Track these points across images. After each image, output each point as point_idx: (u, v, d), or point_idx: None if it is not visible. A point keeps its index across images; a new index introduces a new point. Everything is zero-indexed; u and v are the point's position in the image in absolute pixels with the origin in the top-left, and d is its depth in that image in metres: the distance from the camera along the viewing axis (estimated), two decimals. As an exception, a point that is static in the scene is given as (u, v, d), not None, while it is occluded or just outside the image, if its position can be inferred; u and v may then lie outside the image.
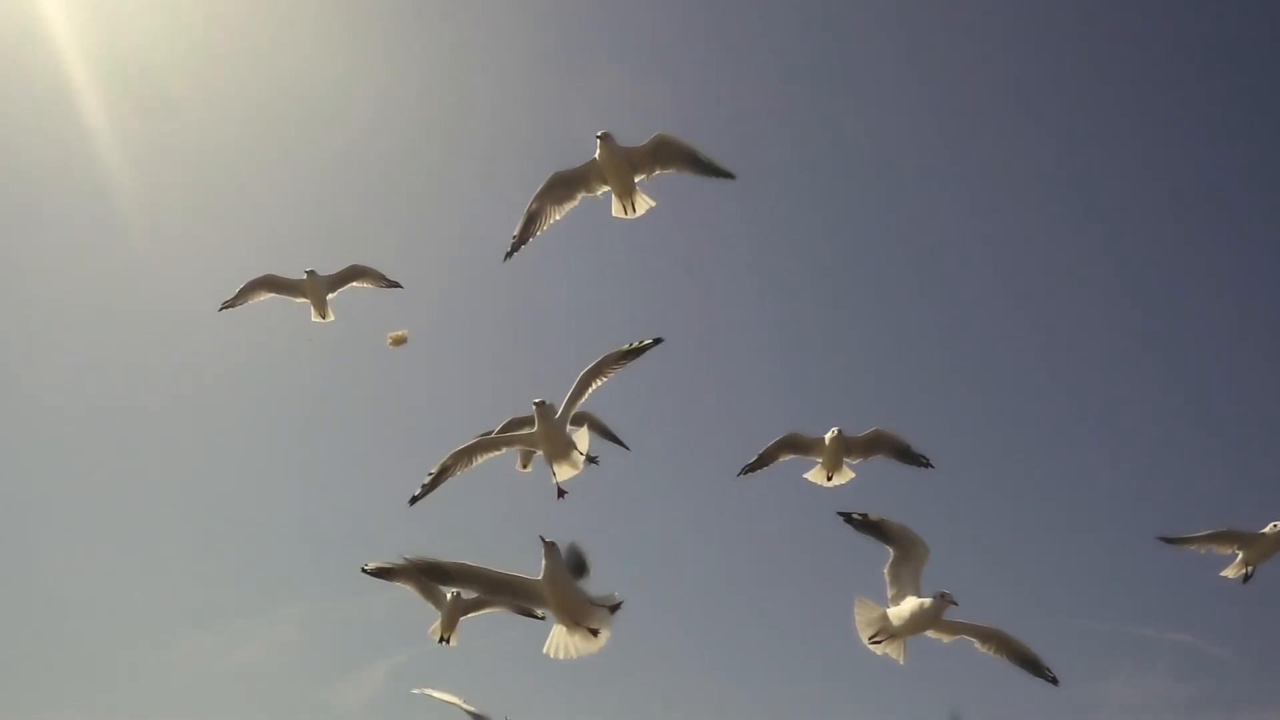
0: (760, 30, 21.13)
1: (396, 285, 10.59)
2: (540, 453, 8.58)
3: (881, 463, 10.69)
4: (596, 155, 8.45)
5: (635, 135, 8.58)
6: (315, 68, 19.68)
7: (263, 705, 19.31)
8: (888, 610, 7.98)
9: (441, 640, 10.12)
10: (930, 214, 22.58)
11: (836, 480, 10.87)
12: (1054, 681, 8.16)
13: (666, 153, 8.46)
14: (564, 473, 8.50)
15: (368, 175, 19.88)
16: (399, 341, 10.11)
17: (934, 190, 22.81)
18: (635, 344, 8.19)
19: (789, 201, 21.77)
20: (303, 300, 10.61)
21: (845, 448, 10.73)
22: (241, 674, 20.98)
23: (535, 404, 8.21)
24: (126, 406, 21.87)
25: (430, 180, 19.32)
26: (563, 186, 8.57)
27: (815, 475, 10.82)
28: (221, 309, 10.60)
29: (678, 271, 21.79)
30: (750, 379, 22.02)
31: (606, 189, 8.65)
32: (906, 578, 7.99)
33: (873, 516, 8.14)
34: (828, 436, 10.60)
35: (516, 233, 8.60)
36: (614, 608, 7.49)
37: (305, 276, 10.43)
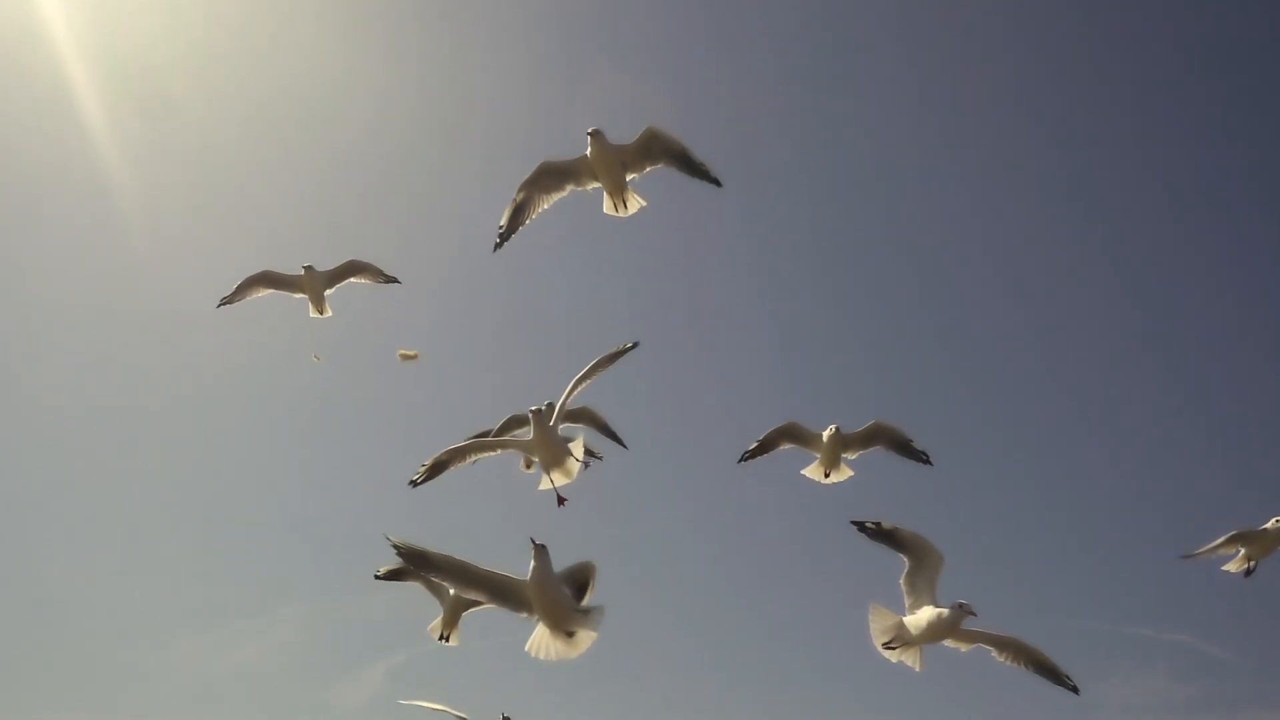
0: (760, 30, 21.18)
1: (394, 280, 10.60)
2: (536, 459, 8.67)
3: (880, 464, 10.71)
4: (588, 152, 8.42)
5: (634, 135, 8.56)
6: (315, 68, 19.74)
7: (263, 705, 19.33)
8: (904, 619, 7.94)
9: (441, 638, 10.11)
10: (930, 214, 22.62)
11: (834, 478, 10.89)
12: (1075, 690, 8.04)
13: (656, 146, 8.44)
14: (559, 479, 8.56)
15: (368, 175, 19.92)
16: (409, 358, 10.16)
17: (934, 190, 22.85)
18: (616, 349, 8.52)
19: (789, 201, 21.82)
20: (300, 295, 10.62)
21: (843, 445, 10.76)
22: (241, 674, 21.01)
23: (531, 412, 8.31)
24: (126, 406, 21.93)
25: (430, 180, 19.34)
26: (551, 177, 8.55)
27: (813, 471, 10.83)
28: (220, 305, 10.62)
29: (677, 271, 21.84)
30: (750, 379, 22.04)
31: (597, 184, 8.63)
32: (923, 587, 7.94)
33: (886, 525, 8.07)
34: (825, 433, 10.63)
35: (504, 222, 8.59)
36: (595, 617, 7.49)
37: (303, 272, 10.44)
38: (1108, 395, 22.51)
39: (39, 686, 19.93)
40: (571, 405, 10.49)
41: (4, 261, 21.30)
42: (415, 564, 7.13)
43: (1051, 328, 22.95)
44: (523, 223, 8.60)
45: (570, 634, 7.41)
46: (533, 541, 7.32)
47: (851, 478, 10.91)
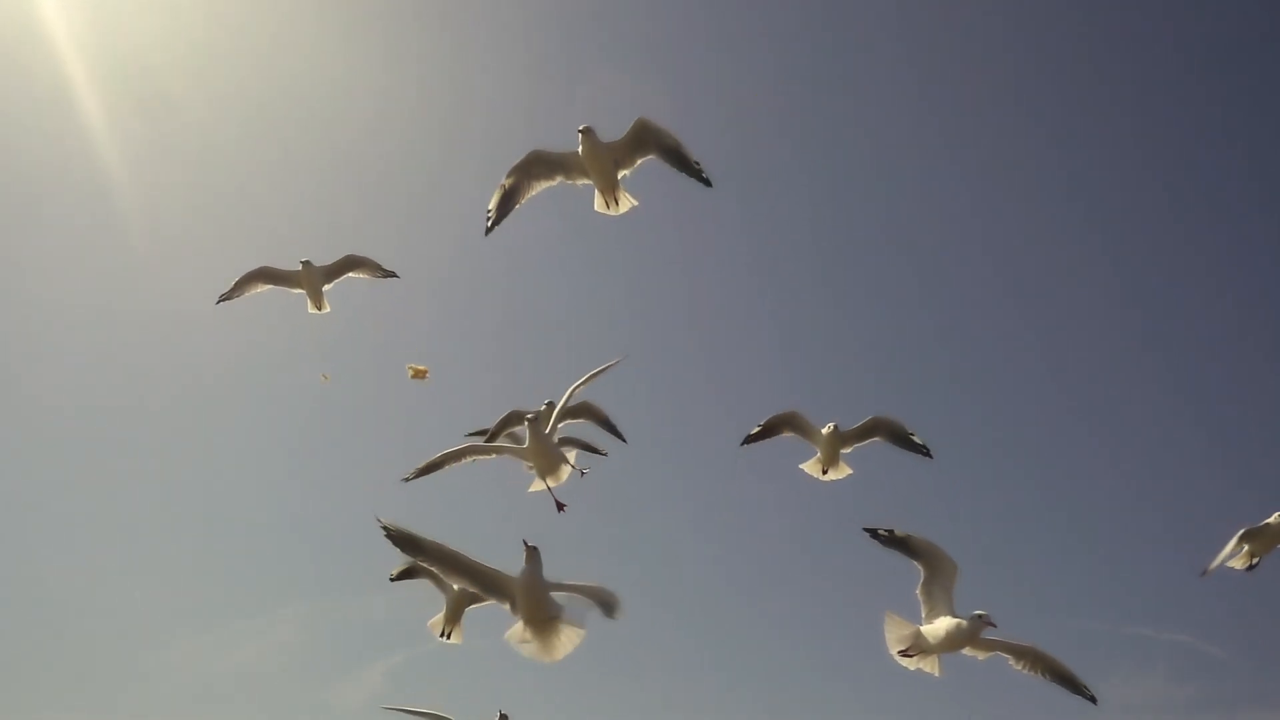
0: (760, 30, 21.19)
1: (393, 275, 10.58)
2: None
3: (880, 464, 10.72)
4: (579, 150, 8.38)
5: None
6: (315, 68, 19.75)
7: (262, 705, 19.30)
8: (921, 628, 7.88)
9: (443, 635, 10.11)
10: (930, 214, 22.62)
11: (832, 475, 10.90)
12: (1093, 700, 7.96)
13: (647, 138, 8.38)
14: (552, 483, 8.63)
15: (368, 175, 19.92)
16: (419, 375, 10.17)
17: (934, 190, 22.85)
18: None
19: (789, 201, 21.83)
20: (299, 291, 10.63)
21: (841, 442, 10.77)
22: (241, 674, 20.99)
23: (528, 419, 8.39)
24: (126, 406, 21.91)
25: (430, 180, 19.35)
26: (541, 166, 8.49)
27: (811, 467, 10.83)
28: (219, 302, 10.62)
29: (677, 271, 21.85)
30: (750, 379, 22.03)
31: (588, 181, 8.58)
32: (940, 596, 7.89)
33: (899, 532, 8.01)
34: (824, 430, 10.65)
35: (492, 207, 8.53)
36: (576, 632, 7.52)
37: (301, 267, 10.45)
38: (1108, 395, 22.53)
39: (39, 686, 19.93)
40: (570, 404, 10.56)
41: (4, 261, 21.33)
42: (405, 548, 7.13)
43: (1051, 328, 22.97)
44: (512, 209, 8.54)
45: (549, 637, 7.44)
46: (525, 543, 7.37)
47: (850, 476, 10.96)
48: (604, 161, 8.39)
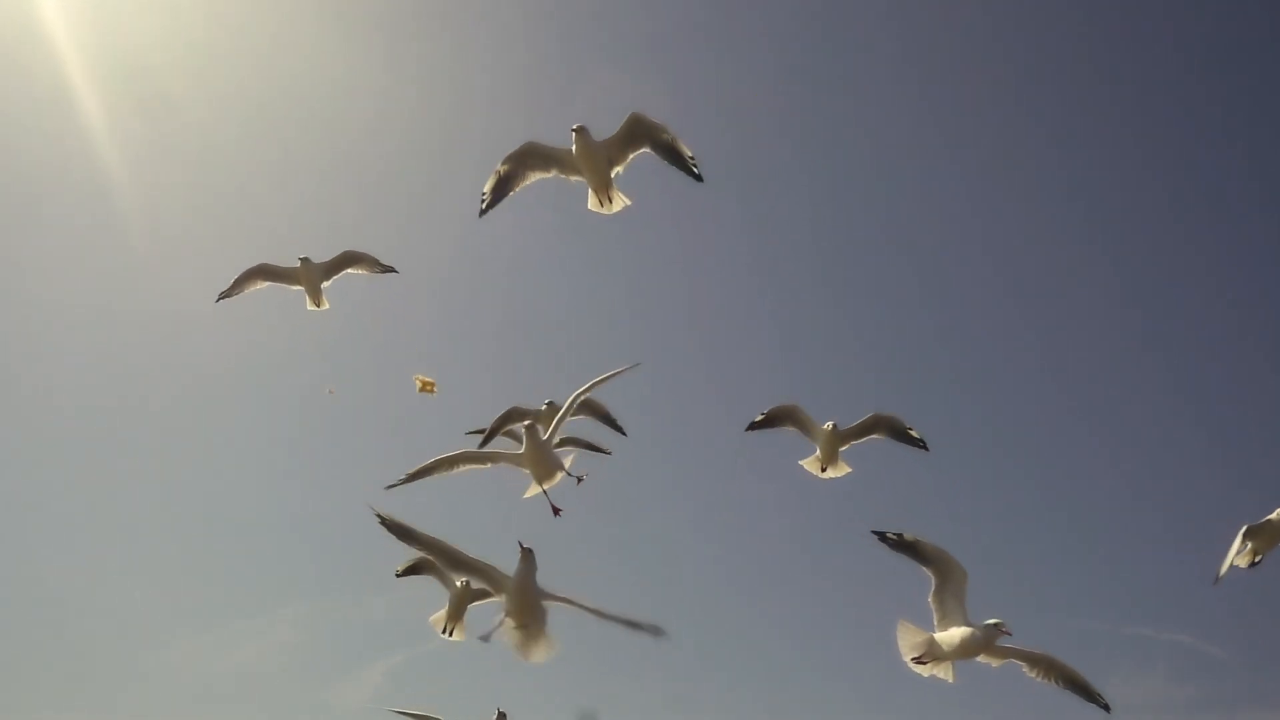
0: (759, 30, 21.21)
1: (391, 270, 10.56)
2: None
3: (880, 463, 10.74)
4: (573, 149, 8.41)
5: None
6: (315, 68, 19.77)
7: (262, 705, 19.28)
8: (935, 635, 7.86)
9: (445, 632, 10.12)
10: (930, 214, 22.63)
11: (831, 473, 10.91)
12: (1106, 709, 7.91)
13: (640, 132, 8.38)
14: (548, 488, 8.63)
15: (368, 175, 19.93)
16: (426, 388, 10.17)
17: (934, 190, 22.86)
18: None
19: (789, 201, 21.84)
20: (298, 288, 10.63)
21: (840, 440, 10.79)
22: (241, 674, 20.98)
23: (525, 427, 8.38)
24: (126, 406, 21.92)
25: (430, 180, 19.37)
26: (537, 158, 8.53)
27: (810, 464, 10.86)
28: (219, 300, 10.63)
29: (677, 271, 21.86)
30: (751, 379, 22.03)
31: (581, 178, 8.61)
32: (952, 604, 7.86)
33: (908, 536, 7.97)
34: (824, 427, 10.67)
35: (487, 191, 8.54)
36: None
37: (299, 264, 10.46)
38: (1108, 395, 22.51)
39: (39, 686, 19.91)
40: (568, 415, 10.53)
41: (4, 261, 21.34)
42: (401, 537, 7.17)
43: (1051, 328, 22.95)
44: (506, 195, 8.57)
45: (532, 641, 7.50)
46: (520, 544, 7.41)
47: (850, 475, 10.97)
48: (597, 160, 8.43)
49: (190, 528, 21.72)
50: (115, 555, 22.11)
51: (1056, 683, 7.92)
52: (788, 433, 10.82)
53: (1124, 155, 23.10)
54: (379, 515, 7.09)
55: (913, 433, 10.67)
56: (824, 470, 10.89)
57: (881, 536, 7.99)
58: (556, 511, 8.63)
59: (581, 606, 7.30)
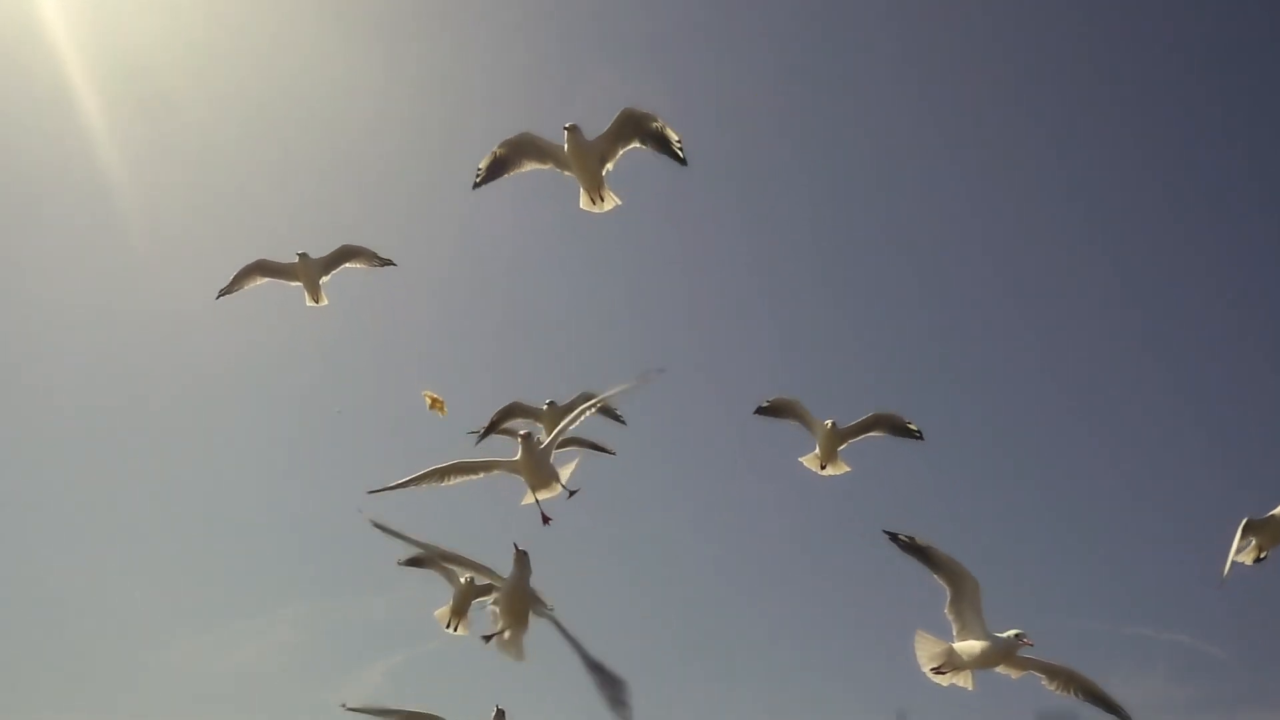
0: (760, 30, 21.22)
1: (390, 263, 10.54)
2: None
3: (880, 463, 10.73)
4: (565, 147, 8.54)
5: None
6: (315, 68, 19.77)
7: (262, 705, 19.24)
8: (955, 645, 7.80)
9: (449, 627, 10.11)
10: (930, 214, 22.62)
11: (830, 471, 10.90)
12: None
13: (631, 125, 8.47)
14: (542, 496, 8.59)
15: (368, 175, 19.93)
16: (436, 405, 10.16)
17: (934, 190, 22.86)
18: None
19: (789, 201, 21.85)
20: (296, 284, 10.63)
21: (840, 438, 10.77)
22: (241, 674, 20.94)
23: (521, 436, 8.34)
24: (126, 406, 21.92)
25: (430, 180, 19.37)
26: (532, 149, 8.67)
27: (810, 461, 10.85)
28: (219, 296, 10.63)
29: (677, 270, 21.86)
30: (751, 379, 22.03)
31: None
32: (971, 615, 7.79)
33: (920, 541, 7.88)
34: (824, 424, 10.66)
35: (483, 167, 8.67)
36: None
37: (297, 259, 10.45)
38: (1108, 395, 22.49)
39: (39, 686, 19.88)
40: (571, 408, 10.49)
41: (4, 261, 21.36)
42: (390, 533, 7.22)
43: (1051, 328, 22.94)
44: (500, 176, 8.71)
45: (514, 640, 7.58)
46: (515, 546, 7.48)
47: (849, 475, 10.96)
48: (589, 160, 8.56)
49: (190, 528, 21.73)
50: (115, 555, 22.12)
51: (1076, 695, 7.83)
52: (791, 426, 10.82)
53: (1124, 155, 23.11)
54: (372, 524, 7.13)
55: (911, 426, 10.65)
56: (823, 468, 10.88)
57: (893, 537, 7.90)
58: (546, 520, 8.58)
59: (565, 634, 7.25)
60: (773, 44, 21.45)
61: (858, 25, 21.75)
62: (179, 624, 21.40)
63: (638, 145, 8.51)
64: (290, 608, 22.22)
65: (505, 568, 7.86)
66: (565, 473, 8.62)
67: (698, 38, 21.16)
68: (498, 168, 8.67)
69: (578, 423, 8.74)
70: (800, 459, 10.82)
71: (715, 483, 21.95)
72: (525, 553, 7.44)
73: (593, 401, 8.87)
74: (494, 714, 10.93)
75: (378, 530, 7.16)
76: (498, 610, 7.62)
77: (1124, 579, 20.94)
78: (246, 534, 22.22)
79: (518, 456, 8.30)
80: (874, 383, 21.52)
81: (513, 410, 10.22)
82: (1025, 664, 7.79)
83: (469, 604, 10.01)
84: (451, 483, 8.22)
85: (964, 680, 7.92)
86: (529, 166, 8.70)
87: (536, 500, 8.55)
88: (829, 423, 10.66)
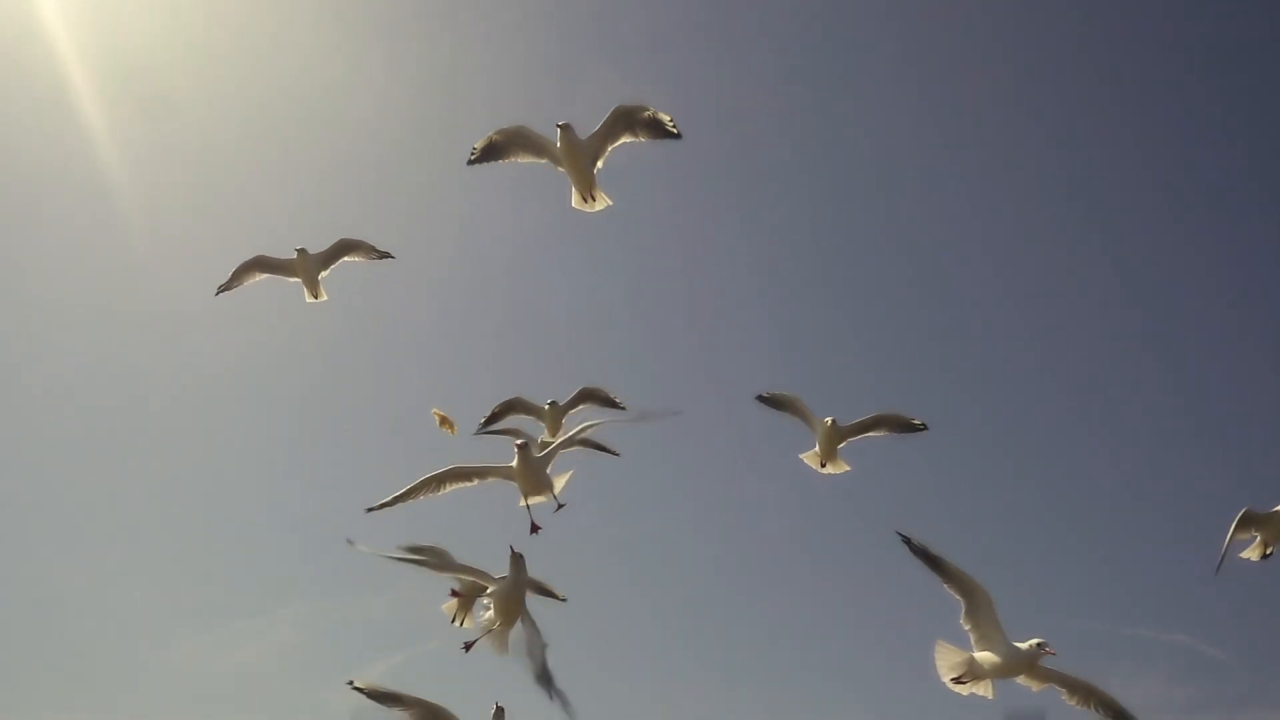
0: (760, 30, 21.22)
1: (388, 256, 10.56)
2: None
3: (880, 463, 10.73)
4: (557, 145, 8.66)
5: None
6: (315, 68, 19.80)
7: (262, 705, 19.21)
8: (975, 654, 7.78)
9: (454, 621, 10.12)
10: (930, 214, 22.62)
11: (831, 469, 10.88)
12: None
13: (622, 120, 8.56)
14: (535, 503, 8.61)
15: (368, 175, 19.94)
16: (445, 424, 10.17)
17: (934, 190, 22.85)
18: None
19: (789, 201, 21.85)
20: (295, 280, 10.64)
21: (840, 436, 10.75)
22: (241, 674, 20.90)
23: (517, 445, 8.33)
24: (126, 406, 21.90)
25: (430, 180, 19.38)
26: (527, 142, 8.77)
27: (810, 459, 10.84)
28: (218, 293, 10.65)
29: (677, 270, 21.86)
30: (751, 378, 21.98)
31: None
32: (988, 626, 7.77)
33: (933, 550, 7.83)
34: (824, 421, 10.64)
35: (478, 148, 8.75)
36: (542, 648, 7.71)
37: (296, 255, 10.47)
38: (1108, 394, 22.45)
39: (39, 686, 19.84)
40: (571, 409, 10.53)
41: (4, 261, 21.34)
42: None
43: (1051, 328, 22.91)
44: (494, 160, 8.81)
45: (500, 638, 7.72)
46: (511, 549, 7.60)
47: (849, 474, 10.95)
48: (581, 159, 8.69)
49: (190, 528, 21.70)
50: (115, 555, 22.09)
51: (1096, 710, 7.76)
52: (792, 423, 10.80)
53: (1124, 155, 23.10)
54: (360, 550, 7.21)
55: (915, 421, 10.62)
56: (823, 466, 10.85)
57: (907, 541, 7.84)
58: (535, 529, 8.58)
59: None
60: (773, 44, 21.47)
61: (858, 25, 21.77)
62: (179, 624, 21.39)
63: (630, 139, 8.61)
64: (290, 608, 22.19)
65: (504, 568, 7.91)
66: (559, 483, 8.61)
67: (698, 38, 21.19)
68: (492, 151, 8.77)
69: (575, 445, 8.81)
70: (800, 456, 10.81)
71: (715, 483, 21.94)
72: (521, 555, 7.54)
73: (598, 423, 8.86)
74: (494, 712, 10.94)
75: (368, 553, 7.25)
76: (491, 609, 7.67)
77: (1124, 579, 20.91)
78: (246, 534, 22.21)
79: (514, 464, 8.29)
80: (874, 382, 21.50)
81: (514, 405, 10.22)
82: (1047, 676, 7.72)
83: (475, 599, 10.03)
84: (447, 490, 8.24)
85: (984, 689, 7.89)
86: (523, 158, 8.80)
87: (528, 507, 8.57)
88: (829, 420, 10.65)
